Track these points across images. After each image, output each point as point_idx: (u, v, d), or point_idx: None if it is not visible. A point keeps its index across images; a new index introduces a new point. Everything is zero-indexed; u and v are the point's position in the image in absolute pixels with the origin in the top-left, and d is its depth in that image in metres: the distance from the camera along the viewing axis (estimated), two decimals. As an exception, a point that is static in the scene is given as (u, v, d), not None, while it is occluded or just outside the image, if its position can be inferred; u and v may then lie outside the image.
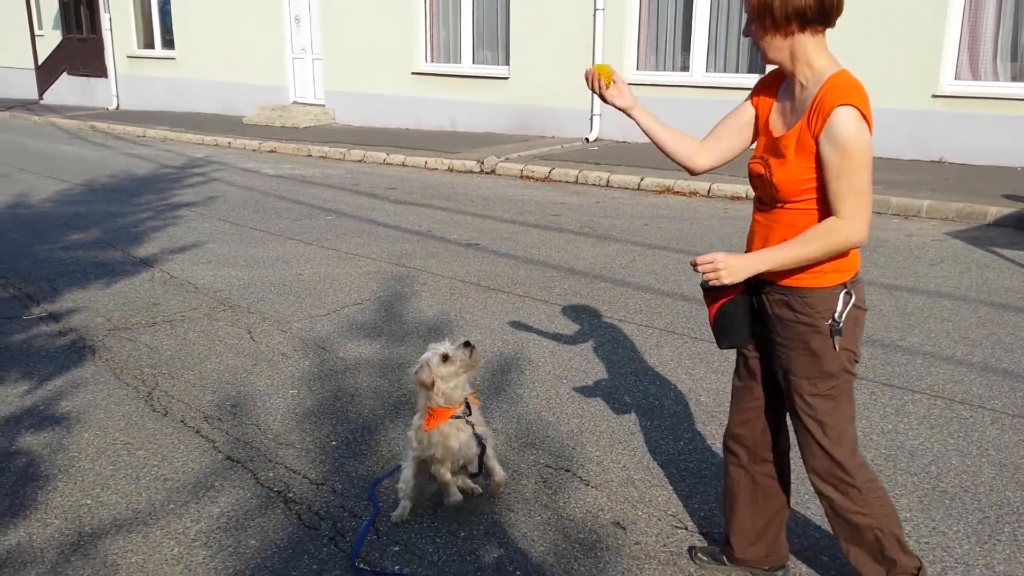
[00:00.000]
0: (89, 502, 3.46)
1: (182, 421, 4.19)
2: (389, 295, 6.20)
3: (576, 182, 10.72)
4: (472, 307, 5.90)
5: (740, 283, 2.45)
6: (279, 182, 11.33)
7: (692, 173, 2.76)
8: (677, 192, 9.82)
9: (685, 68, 12.56)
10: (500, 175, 11.52)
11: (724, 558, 2.98)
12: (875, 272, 6.51)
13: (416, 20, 15.33)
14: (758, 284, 2.53)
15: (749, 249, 2.56)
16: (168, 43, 21.17)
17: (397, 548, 3.12)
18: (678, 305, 5.82)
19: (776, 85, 2.55)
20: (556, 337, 5.28)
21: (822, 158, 2.31)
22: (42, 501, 3.46)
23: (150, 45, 21.88)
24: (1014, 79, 10.05)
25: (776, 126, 2.49)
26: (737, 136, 2.67)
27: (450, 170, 12.03)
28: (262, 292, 6.31)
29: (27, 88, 27.43)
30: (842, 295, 2.42)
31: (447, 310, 5.84)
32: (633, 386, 4.55)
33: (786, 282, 2.46)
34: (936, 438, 3.90)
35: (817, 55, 2.36)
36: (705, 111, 12.08)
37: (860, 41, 10.41)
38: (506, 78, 14.22)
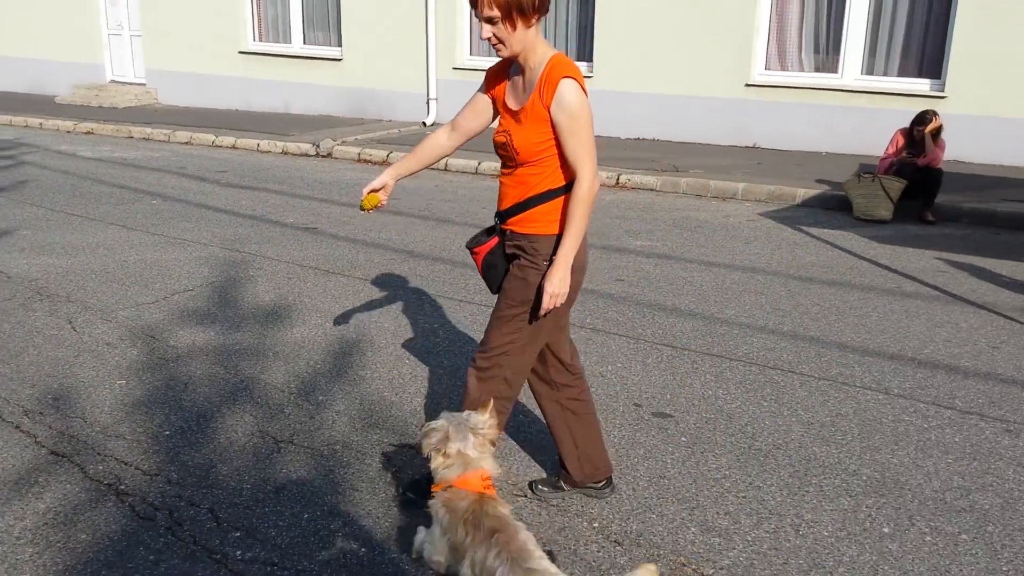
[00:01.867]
0: None
1: (0, 417, 3.95)
2: (222, 281, 6.03)
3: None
4: (311, 291, 5.83)
5: (495, 235, 3.05)
6: (98, 165, 10.68)
7: (448, 155, 3.25)
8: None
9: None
10: (337, 159, 11.36)
11: (562, 484, 3.38)
12: (696, 251, 6.94)
13: (243, -3, 14.80)
14: (502, 233, 3.02)
15: (499, 207, 3.01)
16: (-36, 14, 19.39)
17: (238, 534, 3.09)
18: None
19: (504, 72, 2.99)
20: (397, 319, 5.32)
21: (555, 123, 2.77)
22: None
23: (-57, 15, 19.96)
24: (817, 70, 10.90)
25: (511, 103, 2.92)
26: (476, 119, 3.11)
27: (284, 153, 11.74)
28: (83, 280, 5.98)
29: None
30: (558, 240, 2.89)
31: (285, 294, 5.75)
32: (456, 359, 4.63)
33: (522, 230, 2.94)
34: (751, 401, 4.25)
35: (539, 42, 2.81)
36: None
37: (680, 34, 10.99)
38: (339, 60, 13.98)
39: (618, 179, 9.54)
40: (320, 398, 4.23)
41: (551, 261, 2.88)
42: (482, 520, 2.46)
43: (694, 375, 4.55)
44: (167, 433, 3.84)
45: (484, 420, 2.71)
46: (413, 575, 2.91)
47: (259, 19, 14.97)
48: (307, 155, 11.57)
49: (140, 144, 12.58)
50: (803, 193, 8.72)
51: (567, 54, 12.20)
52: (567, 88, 2.73)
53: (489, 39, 2.77)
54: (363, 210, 3.21)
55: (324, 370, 4.56)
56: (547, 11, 2.78)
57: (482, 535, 2.42)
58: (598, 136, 11.81)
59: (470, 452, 2.64)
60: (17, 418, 3.94)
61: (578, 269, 2.95)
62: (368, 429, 3.92)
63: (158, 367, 4.56)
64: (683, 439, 3.86)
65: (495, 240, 3.05)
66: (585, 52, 12.14)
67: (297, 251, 6.82)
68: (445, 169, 10.53)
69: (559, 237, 2.88)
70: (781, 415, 4.11)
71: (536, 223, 2.90)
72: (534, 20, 2.74)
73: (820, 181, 9.01)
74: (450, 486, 2.62)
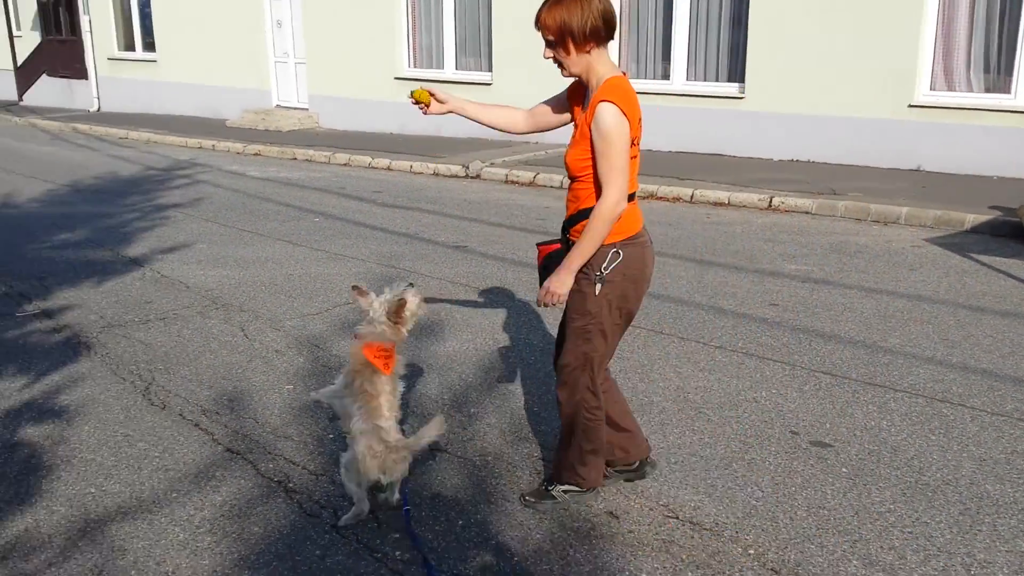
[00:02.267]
0: (93, 491, 3.52)
1: (180, 415, 4.25)
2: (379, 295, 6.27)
3: (561, 187, 10.83)
4: (462, 308, 5.99)
5: (560, 239, 3.26)
6: (265, 184, 11.37)
7: (514, 133, 3.53)
8: (660, 197, 9.97)
9: (666, 77, 12.74)
10: (485, 180, 11.63)
11: (549, 490, 3.45)
12: (856, 276, 6.67)
13: (398, 25, 15.42)
14: (566, 242, 3.21)
15: (567, 212, 3.22)
16: (149, 45, 21.11)
17: (397, 535, 3.20)
18: (664, 306, 5.94)
19: (581, 91, 3.17)
20: (545, 336, 5.38)
21: (592, 142, 2.95)
22: (47, 490, 3.52)
23: (131, 47, 21.81)
24: (987, 90, 10.29)
25: (577, 119, 3.14)
26: (554, 116, 3.37)
27: (436, 174, 12.12)
28: (253, 291, 6.37)
29: (6, 89, 27.21)
30: (611, 253, 3.07)
31: (437, 310, 5.93)
32: (622, 383, 4.63)
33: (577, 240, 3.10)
34: (918, 434, 4.04)
35: (600, 64, 2.98)
36: (685, 119, 12.32)
37: (835, 54, 10.64)
38: (489, 84, 14.34)
39: (771, 201, 9.31)
40: (472, 410, 4.33)
41: (603, 272, 3.07)
42: (363, 381, 3.22)
43: (855, 405, 4.37)
44: (331, 436, 4.03)
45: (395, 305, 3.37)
46: (566, 588, 2.93)
47: (414, 46, 15.57)
48: (457, 176, 11.89)
49: (303, 165, 13.29)
50: (972, 219, 8.23)
51: (717, 76, 12.13)
52: (603, 111, 2.89)
53: (551, 59, 3.03)
54: (411, 96, 3.32)
55: (475, 383, 4.66)
56: (605, 39, 2.95)
57: (356, 388, 3.22)
58: (749, 157, 11.65)
59: (377, 326, 3.35)
60: (196, 416, 4.24)
61: (636, 280, 3.15)
62: (519, 442, 3.98)
63: (322, 374, 4.79)
64: (844, 470, 3.72)
65: (558, 245, 3.27)
66: (736, 73, 11.95)
67: (448, 268, 7.02)
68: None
69: (611, 248, 3.06)
70: (951, 450, 3.89)
71: None
72: (589, 47, 2.93)
73: (992, 207, 8.48)
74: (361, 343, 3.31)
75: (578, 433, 3.31)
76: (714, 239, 7.91)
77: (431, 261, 7.26)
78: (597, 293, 3.10)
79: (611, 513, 3.38)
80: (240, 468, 3.72)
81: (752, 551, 3.13)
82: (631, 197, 3.09)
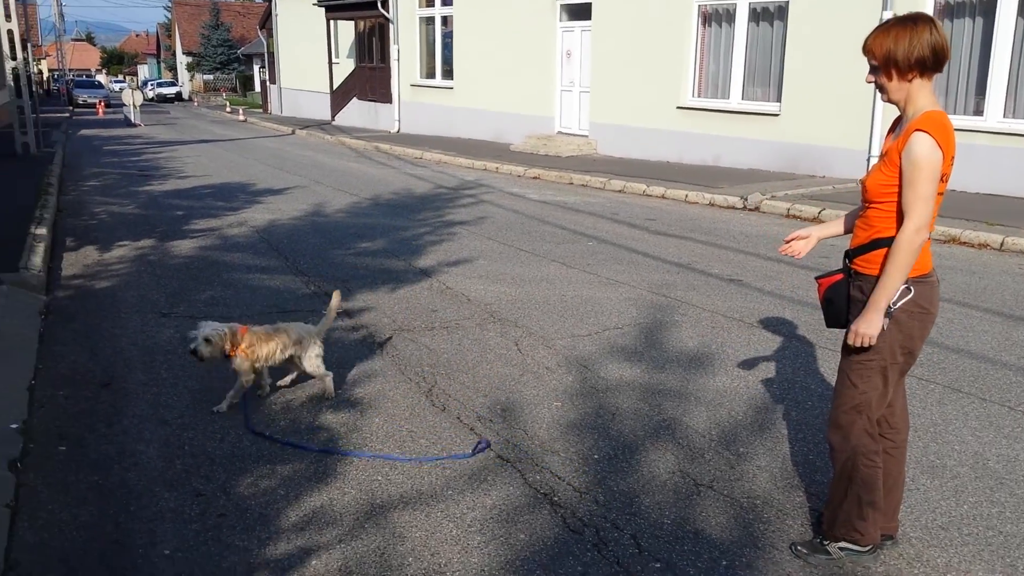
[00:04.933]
0: (379, 479, 3.82)
1: (458, 418, 4.51)
2: (649, 322, 6.28)
3: (845, 225, 10.25)
4: (734, 342, 5.84)
5: (841, 269, 3.15)
6: (542, 207, 11.81)
7: None
8: (964, 243, 9.12)
9: (979, 112, 11.66)
10: (764, 213, 11.28)
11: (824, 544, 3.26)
12: None
13: (686, 55, 15.42)
14: (849, 271, 3.10)
15: (850, 244, 3.11)
16: (447, 73, 22.78)
17: (659, 565, 3.17)
18: (964, 362, 5.41)
19: (894, 124, 3.10)
20: (823, 381, 5.10)
21: (901, 169, 2.86)
22: (341, 472, 3.88)
23: (431, 75, 23.66)
24: None
25: (884, 146, 3.06)
26: None
27: (711, 205, 11.95)
28: (528, 308, 6.62)
29: (322, 110, 30.57)
30: (901, 288, 2.93)
31: (708, 342, 5.82)
32: (911, 441, 4.28)
33: (865, 271, 3.03)
34: None
35: (921, 96, 2.91)
36: (999, 159, 11.18)
37: None
38: (776, 115, 13.92)
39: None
40: (741, 449, 4.20)
41: (891, 307, 2.94)
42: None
43: None
44: (596, 457, 4.08)
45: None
46: (836, 650, 2.74)
47: (700, 76, 15.49)
48: (734, 208, 11.64)
49: (579, 190, 13.66)
50: None
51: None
52: (917, 139, 2.82)
53: (872, 83, 3.00)
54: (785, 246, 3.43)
55: (746, 422, 4.52)
56: (931, 70, 2.88)
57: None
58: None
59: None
60: (472, 421, 4.48)
61: (923, 319, 3.00)
62: (790, 489, 3.80)
63: (589, 394, 4.87)
64: None
65: (840, 276, 3.14)
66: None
67: (721, 301, 6.87)
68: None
69: (903, 283, 2.92)
70: None
71: (879, 266, 2.96)
72: (911, 76, 2.89)
73: None
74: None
75: (856, 482, 3.11)
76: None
77: (703, 292, 7.14)
78: (883, 329, 2.96)
79: (891, 578, 3.12)
80: (509, 476, 3.87)
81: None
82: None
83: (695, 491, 3.76)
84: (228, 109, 41.20)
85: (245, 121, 32.67)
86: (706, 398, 4.84)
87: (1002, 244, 8.86)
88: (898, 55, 2.86)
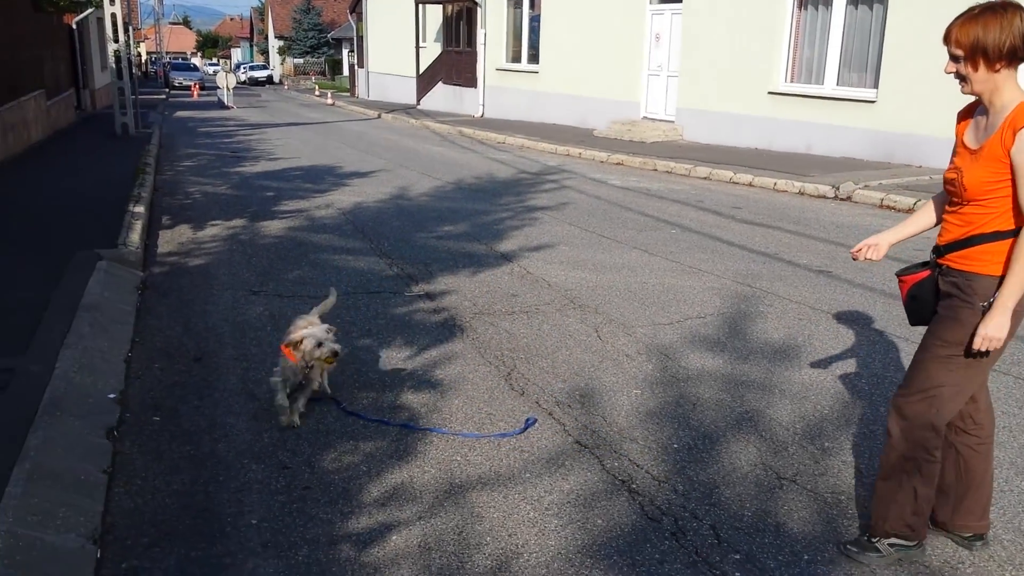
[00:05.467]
0: (459, 459, 3.87)
1: (536, 402, 4.53)
2: (733, 312, 6.17)
3: (942, 217, 9.87)
4: (822, 335, 5.69)
5: (928, 265, 3.04)
6: (625, 193, 11.70)
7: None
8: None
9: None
10: (856, 203, 10.94)
11: (874, 542, 3.15)
12: None
13: (780, 39, 15.03)
14: (937, 267, 3.01)
15: (939, 240, 3.01)
16: (533, 58, 22.75)
17: (738, 556, 3.13)
18: (1066, 361, 5.16)
19: (970, 111, 3.00)
20: (915, 376, 4.93)
21: (1014, 165, 2.74)
22: (421, 451, 3.94)
23: (516, 59, 23.67)
24: None
25: (969, 141, 2.94)
26: None
27: (800, 193, 11.65)
28: (608, 295, 6.59)
29: (408, 94, 30.93)
30: (998, 284, 2.83)
31: (794, 334, 5.69)
32: (1005, 441, 4.12)
33: (959, 267, 2.92)
34: None
35: (1009, 86, 2.80)
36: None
37: None
38: (872, 101, 13.45)
39: None
40: (826, 444, 4.10)
41: (989, 303, 2.84)
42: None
43: None
44: (675, 446, 4.04)
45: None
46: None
47: (794, 61, 15.08)
48: (824, 197, 11.33)
49: (663, 177, 13.49)
50: None
51: None
52: None
53: (952, 74, 2.87)
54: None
55: (832, 416, 4.41)
56: (1021, 59, 2.76)
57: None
58: None
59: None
60: (551, 406, 4.48)
61: (1018, 315, 2.87)
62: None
63: (670, 383, 4.82)
64: None
65: (926, 273, 3.06)
66: None
67: (809, 293, 6.70)
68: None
69: (1000, 280, 2.83)
70: None
71: (977, 262, 2.88)
72: (1000, 66, 2.76)
73: None
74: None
75: (915, 476, 3.01)
76: None
77: (790, 283, 6.98)
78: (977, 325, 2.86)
79: (983, 583, 3.01)
80: (587, 461, 3.87)
81: None
82: None
83: (777, 484, 3.69)
84: (317, 92, 42.07)
85: (333, 104, 33.30)
86: (791, 391, 4.74)
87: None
88: (988, 44, 2.74)
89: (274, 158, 15.50)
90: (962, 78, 2.86)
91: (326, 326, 4.24)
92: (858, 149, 13.68)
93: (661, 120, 18.11)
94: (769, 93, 15.21)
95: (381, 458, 3.87)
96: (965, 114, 3.04)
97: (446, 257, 7.79)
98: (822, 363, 5.17)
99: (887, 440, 3.10)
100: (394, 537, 3.23)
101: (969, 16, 2.79)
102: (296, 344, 4.09)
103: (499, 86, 24.09)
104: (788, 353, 5.33)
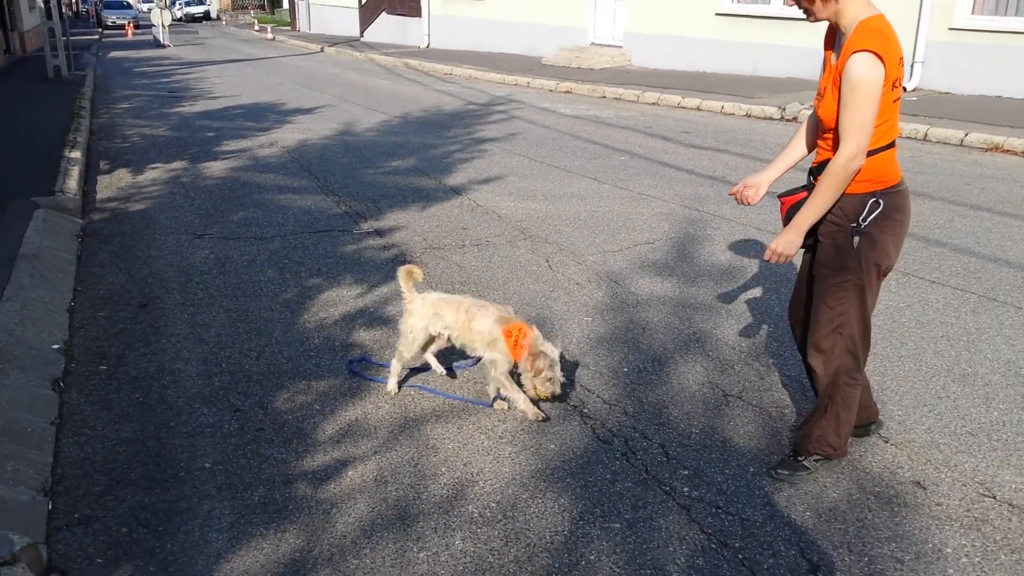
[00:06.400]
0: (412, 393, 3.90)
1: (488, 333, 4.54)
2: (681, 237, 6.23)
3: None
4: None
5: (805, 188, 2.99)
6: (574, 122, 11.63)
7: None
8: (1008, 151, 8.85)
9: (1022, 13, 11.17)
10: (802, 122, 11.00)
11: (800, 459, 3.22)
12: None
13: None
14: (812, 188, 2.95)
15: (814, 161, 3.01)
16: (478, -15, 22.23)
17: (686, 472, 3.22)
18: (1002, 271, 5.32)
19: (834, 33, 2.93)
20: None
21: (840, 92, 2.73)
22: (375, 388, 3.95)
23: (461, -13, 23.09)
24: None
25: (830, 65, 2.90)
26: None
27: (748, 116, 11.68)
28: (558, 225, 6.59)
29: (351, 26, 30.10)
30: (870, 202, 2.86)
31: (740, 256, 5.77)
32: (943, 350, 4.26)
33: None
34: None
35: (851, 5, 2.75)
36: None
37: None
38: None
39: None
40: (771, 360, 4.20)
41: (859, 223, 2.85)
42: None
43: None
44: (625, 370, 4.11)
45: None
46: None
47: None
48: (771, 118, 11.38)
49: (612, 104, 13.41)
50: None
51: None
52: (855, 61, 2.67)
53: (793, 5, 2.88)
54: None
55: (776, 334, 4.51)
56: None
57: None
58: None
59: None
60: (502, 336, 4.50)
61: (897, 231, 2.91)
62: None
63: (620, 309, 4.88)
64: None
65: (804, 194, 3.00)
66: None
67: (755, 214, 6.77)
68: (924, 139, 9.64)
69: (870, 196, 2.85)
70: None
71: None
72: None
73: None
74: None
75: (837, 400, 3.10)
76: (1070, 199, 6.91)
77: (736, 206, 7.01)
78: (855, 247, 2.89)
79: (918, 483, 3.15)
80: (539, 389, 3.91)
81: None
82: (891, 145, 2.85)
83: (724, 402, 3.78)
84: (256, 28, 40.78)
85: (274, 40, 32.35)
86: (737, 311, 4.83)
87: (1049, 150, 8.59)
88: None
89: (214, 97, 15.07)
90: (806, 11, 2.84)
91: (560, 350, 3.67)
92: (804, 69, 13.69)
93: (609, 46, 17.92)
94: (716, 15, 15.10)
95: (335, 396, 3.87)
96: (830, 34, 2.97)
97: (395, 193, 7.71)
98: (766, 282, 5.26)
99: (813, 375, 3.15)
100: (349, 472, 3.26)
101: None
102: (535, 354, 3.55)
103: (445, 15, 23.57)
104: (734, 274, 5.41)
